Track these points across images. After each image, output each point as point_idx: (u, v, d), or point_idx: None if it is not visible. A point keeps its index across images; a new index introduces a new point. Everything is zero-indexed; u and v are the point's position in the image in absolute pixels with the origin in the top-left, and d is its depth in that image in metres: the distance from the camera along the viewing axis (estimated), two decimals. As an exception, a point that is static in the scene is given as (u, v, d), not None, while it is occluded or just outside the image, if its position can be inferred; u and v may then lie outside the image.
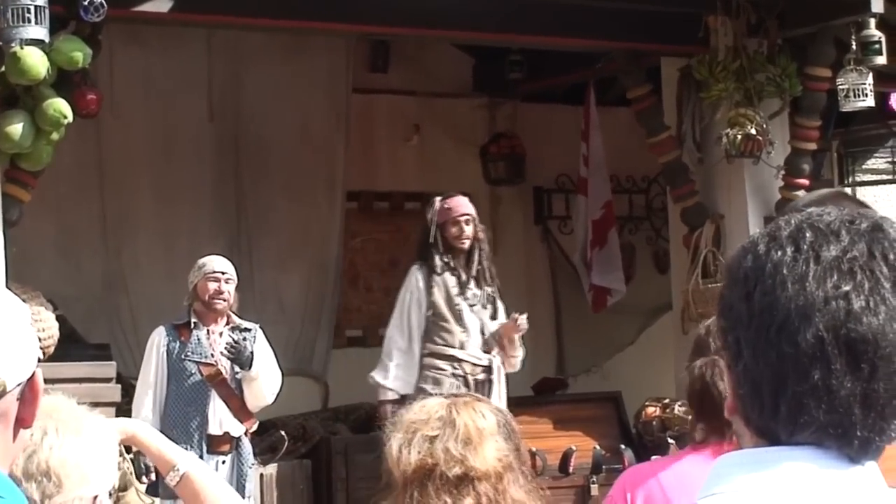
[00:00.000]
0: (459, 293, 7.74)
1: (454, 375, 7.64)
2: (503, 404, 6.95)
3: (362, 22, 8.15)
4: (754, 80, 8.41)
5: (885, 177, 11.24)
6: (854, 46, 8.20)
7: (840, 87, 8.27)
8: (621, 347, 10.98)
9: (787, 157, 8.64)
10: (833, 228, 1.52)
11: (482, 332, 7.82)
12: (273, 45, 9.69)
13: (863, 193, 11.88)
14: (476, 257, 7.80)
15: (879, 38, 8.14)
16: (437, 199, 7.82)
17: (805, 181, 8.63)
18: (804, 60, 8.57)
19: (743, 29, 8.54)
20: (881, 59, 8.16)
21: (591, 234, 10.32)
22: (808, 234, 1.52)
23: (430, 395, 3.03)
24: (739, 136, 8.28)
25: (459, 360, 7.69)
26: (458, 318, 7.73)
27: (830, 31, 8.46)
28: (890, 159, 11.11)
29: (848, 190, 11.78)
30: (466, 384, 7.56)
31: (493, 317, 7.87)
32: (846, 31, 8.30)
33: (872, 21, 8.11)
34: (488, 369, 7.77)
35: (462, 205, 7.75)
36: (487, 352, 7.80)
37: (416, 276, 7.80)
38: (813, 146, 8.75)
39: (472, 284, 7.78)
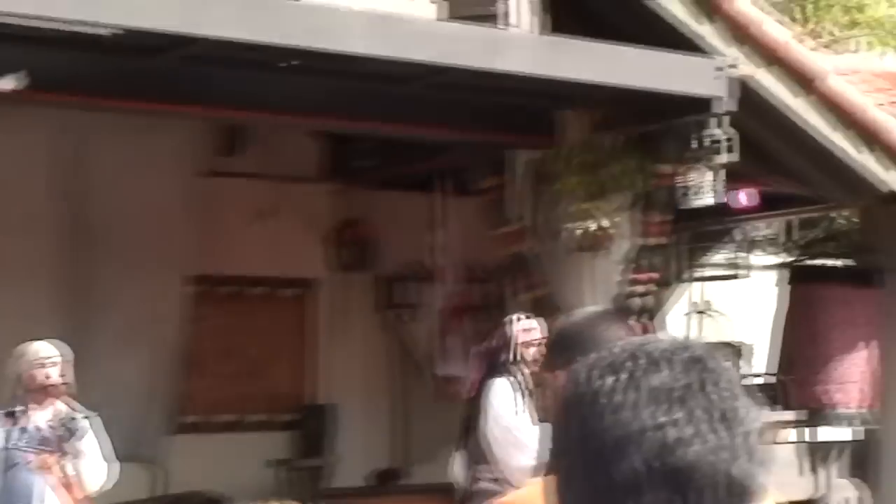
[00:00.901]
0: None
1: None
2: None
3: (211, 105, 8.07)
4: (602, 174, 8.48)
5: (727, 272, 11.43)
6: (699, 144, 8.31)
7: (684, 183, 8.37)
8: (466, 437, 10.93)
9: (633, 250, 8.72)
10: (656, 358, 1.51)
11: None
12: (120, 124, 9.54)
13: (706, 287, 12.10)
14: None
15: (724, 137, 8.25)
16: (511, 318, 7.43)
17: (647, 276, 8.73)
18: (651, 156, 8.67)
19: (595, 123, 8.64)
20: (726, 158, 8.28)
21: (441, 323, 10.32)
22: (630, 364, 1.51)
23: None
24: (585, 230, 8.34)
25: None
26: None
27: (677, 129, 8.57)
28: (732, 255, 11.31)
29: (690, 285, 11.99)
30: None
31: None
32: (692, 128, 8.41)
33: (717, 121, 8.24)
34: None
35: (538, 327, 7.29)
36: None
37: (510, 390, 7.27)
38: (657, 241, 8.84)
39: None
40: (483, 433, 7.23)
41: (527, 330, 7.35)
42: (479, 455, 7.29)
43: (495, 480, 7.14)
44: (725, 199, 11.08)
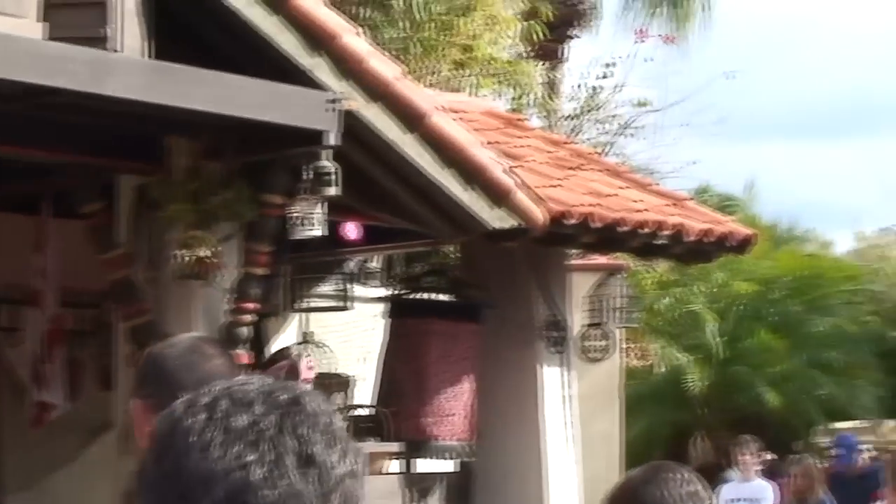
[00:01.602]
0: None
1: None
2: None
3: None
4: (210, 202, 8.43)
5: (334, 303, 11.54)
6: (308, 176, 8.38)
7: (291, 214, 8.42)
8: (62, 465, 10.64)
9: (237, 280, 8.70)
10: (249, 399, 1.51)
11: None
12: None
13: (313, 318, 12.17)
14: None
15: (333, 169, 8.34)
16: (299, 355, 8.11)
17: (252, 305, 8.72)
18: (260, 186, 8.68)
19: (201, 151, 8.58)
20: (333, 191, 8.37)
21: (41, 348, 10.04)
22: (223, 403, 1.50)
23: None
24: (191, 258, 8.27)
25: None
26: None
27: (287, 160, 8.61)
28: (339, 287, 11.43)
29: (298, 315, 12.05)
30: None
31: None
32: (302, 160, 8.46)
33: (325, 153, 8.32)
34: None
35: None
36: None
37: None
38: (263, 271, 8.84)
39: None
40: None
41: (311, 367, 7.90)
42: None
43: None
44: (338, 231, 11.30)
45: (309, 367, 7.84)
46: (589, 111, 20.01)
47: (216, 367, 2.91)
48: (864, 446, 19.23)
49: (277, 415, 1.50)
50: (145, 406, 3.03)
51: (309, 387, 1.59)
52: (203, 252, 8.28)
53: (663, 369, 22.06)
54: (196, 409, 1.51)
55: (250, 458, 1.46)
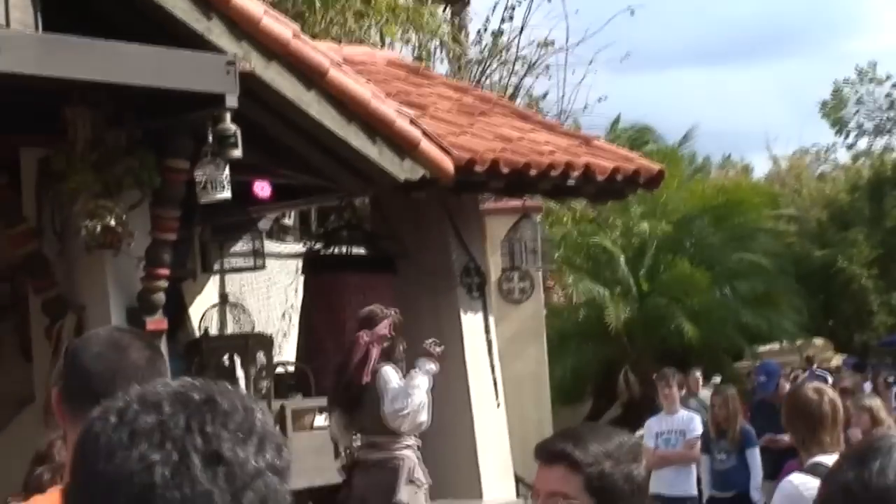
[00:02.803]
0: None
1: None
2: None
3: None
4: (113, 171, 8.38)
5: (249, 263, 11.53)
6: (211, 139, 8.35)
7: (198, 178, 8.40)
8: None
9: (147, 247, 8.67)
10: (158, 400, 1.50)
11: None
12: None
13: (232, 279, 12.16)
14: None
15: (235, 131, 8.31)
16: (393, 312, 9.00)
17: (166, 271, 8.70)
18: (163, 152, 8.64)
19: (101, 120, 8.52)
20: (237, 153, 8.34)
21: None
22: (134, 406, 1.50)
23: None
24: (98, 228, 8.23)
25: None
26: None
27: (188, 124, 8.57)
28: (252, 246, 11.42)
29: (216, 277, 12.03)
30: None
31: None
32: (203, 123, 8.43)
33: (228, 115, 8.29)
34: None
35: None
36: None
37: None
38: (173, 236, 8.80)
39: None
40: (382, 411, 8.73)
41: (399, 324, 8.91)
42: (371, 428, 8.81)
43: (380, 448, 8.82)
44: (250, 191, 11.28)
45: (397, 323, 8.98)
46: (495, 55, 20.02)
47: (133, 361, 2.91)
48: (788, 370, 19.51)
49: (186, 414, 1.48)
50: (58, 397, 3.04)
51: (233, 385, 1.56)
52: (110, 221, 8.24)
53: (583, 301, 22.14)
54: (108, 415, 1.50)
55: (154, 458, 1.44)
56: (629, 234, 23.07)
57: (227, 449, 1.47)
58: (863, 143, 44.52)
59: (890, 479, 1.63)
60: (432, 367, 8.96)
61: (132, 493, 1.43)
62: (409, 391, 8.77)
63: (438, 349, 9.05)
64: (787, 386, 12.99)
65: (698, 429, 12.25)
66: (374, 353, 8.89)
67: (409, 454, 8.88)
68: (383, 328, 8.93)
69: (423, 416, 8.86)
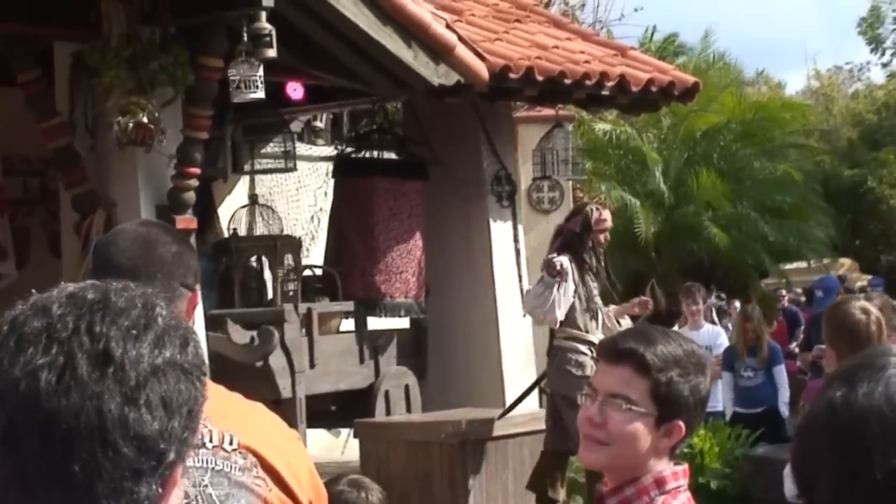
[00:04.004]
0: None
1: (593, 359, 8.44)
2: None
3: None
4: (147, 68, 8.31)
5: (279, 164, 11.48)
6: (246, 38, 8.27)
7: (232, 77, 8.33)
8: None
9: (179, 145, 8.63)
10: (50, 303, 1.43)
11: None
12: None
13: (265, 180, 12.13)
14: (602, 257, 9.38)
15: (270, 30, 8.23)
16: (593, 208, 9.23)
17: (197, 170, 8.67)
18: (197, 50, 8.56)
19: (136, 16, 8.44)
20: (272, 52, 8.26)
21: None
22: (26, 311, 1.44)
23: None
24: (131, 125, 8.17)
25: (594, 344, 8.69)
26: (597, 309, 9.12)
27: (223, 22, 8.49)
28: (283, 148, 11.36)
29: (246, 178, 12.00)
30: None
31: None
32: (239, 22, 8.35)
33: (263, 14, 8.20)
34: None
35: (609, 218, 9.32)
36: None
37: (569, 267, 8.91)
38: (205, 135, 8.75)
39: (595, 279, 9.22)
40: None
41: (602, 219, 9.12)
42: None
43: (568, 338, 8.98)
44: (282, 92, 11.21)
45: (603, 218, 9.19)
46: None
47: (159, 255, 2.86)
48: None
49: (75, 315, 1.42)
50: None
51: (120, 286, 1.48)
52: (142, 118, 8.19)
53: (613, 210, 22.09)
54: (2, 323, 1.44)
55: (39, 363, 1.38)
56: (661, 143, 22.91)
57: (115, 347, 1.40)
58: (898, 63, 44.04)
59: (875, 399, 1.59)
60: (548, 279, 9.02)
61: (18, 403, 1.38)
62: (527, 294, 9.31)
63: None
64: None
65: (724, 343, 12.24)
66: (556, 243, 9.18)
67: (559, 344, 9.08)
68: (574, 223, 9.18)
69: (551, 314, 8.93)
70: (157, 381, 1.42)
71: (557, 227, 9.39)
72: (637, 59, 11.82)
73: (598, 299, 9.26)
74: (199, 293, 2.93)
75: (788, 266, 25.20)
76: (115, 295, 1.46)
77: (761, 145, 24.07)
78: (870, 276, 28.01)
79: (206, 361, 1.52)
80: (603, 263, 9.42)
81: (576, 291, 9.02)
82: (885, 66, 44.07)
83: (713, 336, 12.41)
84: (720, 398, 11.73)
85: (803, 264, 25.70)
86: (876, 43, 43.70)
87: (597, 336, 8.91)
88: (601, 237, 9.22)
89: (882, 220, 33.27)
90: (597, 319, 9.15)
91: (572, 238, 9.13)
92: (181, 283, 2.82)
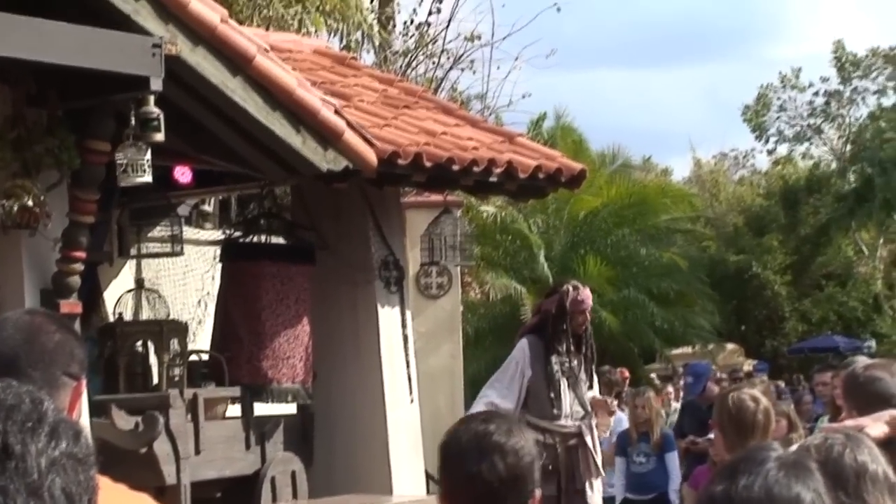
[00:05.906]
0: (561, 371, 9.05)
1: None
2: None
3: None
4: (32, 151, 8.26)
5: (166, 248, 11.41)
6: (133, 122, 8.25)
7: (119, 161, 8.30)
8: None
9: (64, 229, 8.55)
10: None
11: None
12: None
13: (149, 265, 12.03)
14: (586, 339, 9.29)
15: (158, 114, 8.22)
16: (570, 288, 9.19)
17: (82, 254, 8.59)
18: (84, 133, 8.52)
19: (22, 98, 8.39)
20: (160, 136, 8.25)
21: None
22: None
23: None
24: (15, 208, 8.10)
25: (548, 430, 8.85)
26: (558, 393, 9.04)
27: (111, 106, 8.45)
28: (170, 232, 11.30)
29: (132, 262, 11.90)
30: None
31: (590, 387, 9.38)
32: (126, 106, 8.32)
33: (152, 98, 8.19)
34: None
35: (588, 298, 9.22)
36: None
37: (525, 349, 8.99)
38: (91, 219, 8.68)
39: (575, 362, 9.14)
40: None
41: (579, 300, 9.11)
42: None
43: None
44: (170, 175, 11.16)
45: (580, 299, 9.13)
46: (421, 47, 19.98)
47: (41, 344, 2.82)
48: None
49: None
50: None
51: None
52: (27, 201, 8.11)
53: (500, 297, 22.19)
54: None
55: None
56: (547, 227, 23.11)
57: (15, 441, 1.42)
58: (783, 150, 44.99)
59: (754, 492, 1.63)
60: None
61: None
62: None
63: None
64: (715, 388, 13.05)
65: (623, 425, 12.31)
66: (531, 322, 9.28)
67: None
68: (550, 303, 9.14)
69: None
70: (56, 473, 1.43)
71: (535, 305, 9.50)
72: (525, 145, 11.95)
73: (563, 382, 9.23)
74: (83, 382, 2.89)
75: (675, 351, 25.49)
76: (2, 392, 1.47)
77: (643, 230, 24.36)
78: (755, 361, 28.42)
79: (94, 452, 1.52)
80: (591, 344, 9.45)
81: (540, 375, 9.05)
82: (770, 152, 45.00)
83: (617, 422, 12.50)
84: (614, 483, 11.79)
85: (689, 349, 26.02)
86: (760, 130, 44.61)
87: (559, 422, 8.95)
88: (580, 318, 9.14)
89: (766, 306, 33.82)
90: (559, 403, 9.12)
91: (546, 319, 9.06)
92: (64, 371, 2.79)
